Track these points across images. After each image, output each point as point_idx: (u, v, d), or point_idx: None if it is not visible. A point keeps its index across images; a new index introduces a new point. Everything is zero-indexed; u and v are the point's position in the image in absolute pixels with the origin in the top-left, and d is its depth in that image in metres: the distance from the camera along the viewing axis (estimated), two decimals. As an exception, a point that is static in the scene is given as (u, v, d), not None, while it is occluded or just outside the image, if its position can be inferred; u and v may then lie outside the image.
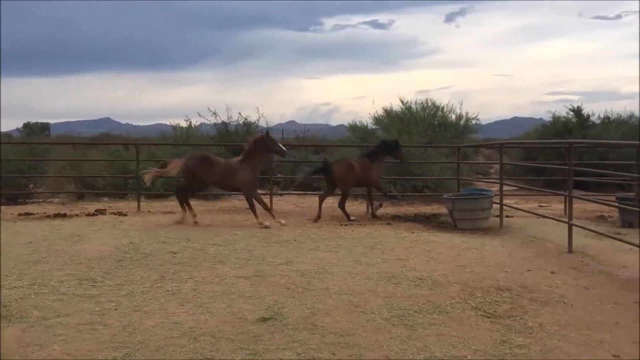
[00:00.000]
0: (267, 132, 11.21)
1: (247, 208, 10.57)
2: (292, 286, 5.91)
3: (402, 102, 17.31)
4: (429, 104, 17.19)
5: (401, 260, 7.25)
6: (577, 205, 11.86)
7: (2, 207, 12.45)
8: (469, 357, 4.13)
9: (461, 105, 17.04)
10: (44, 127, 46.19)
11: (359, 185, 12.15)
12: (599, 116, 20.26)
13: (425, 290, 5.83)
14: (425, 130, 16.00)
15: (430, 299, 5.48)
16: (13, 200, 14.38)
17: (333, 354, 4.14)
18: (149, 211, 12.00)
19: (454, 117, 16.87)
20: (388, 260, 7.21)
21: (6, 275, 6.27)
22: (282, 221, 10.23)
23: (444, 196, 10.94)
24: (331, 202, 14.77)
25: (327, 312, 5.08)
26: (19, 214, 11.44)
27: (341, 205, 11.38)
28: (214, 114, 19.95)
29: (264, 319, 4.84)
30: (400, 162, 12.57)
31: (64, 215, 11.24)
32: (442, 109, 17.09)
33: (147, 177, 10.44)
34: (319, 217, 11.06)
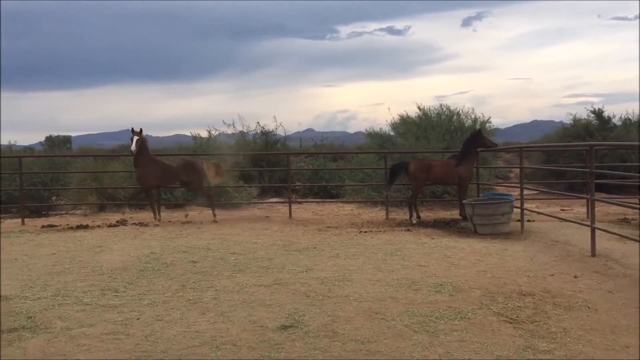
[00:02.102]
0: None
1: (267, 216, 10.66)
2: (312, 294, 5.91)
3: (418, 108, 17.30)
4: (444, 109, 17.15)
5: (421, 266, 7.22)
6: (600, 208, 11.72)
7: (26, 219, 12.65)
8: (491, 363, 4.09)
9: (474, 110, 16.95)
10: (66, 140, 46.80)
11: (442, 184, 13.04)
12: (620, 118, 20.01)
13: (446, 296, 5.79)
14: (443, 135, 15.95)
15: (451, 305, 5.44)
16: (36, 213, 14.60)
17: (354, 361, 4.14)
18: (169, 221, 12.09)
19: (470, 121, 16.79)
20: (408, 267, 7.18)
21: (30, 287, 6.37)
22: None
23: (464, 201, 10.87)
24: (350, 209, 14.78)
25: (347, 319, 5.07)
26: (42, 226, 11.60)
27: (410, 203, 11.83)
28: (232, 124, 20.14)
29: (285, 327, 4.85)
30: (491, 150, 13.06)
31: (86, 227, 11.38)
32: (458, 113, 17.04)
33: None
34: (417, 217, 11.68)
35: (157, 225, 11.44)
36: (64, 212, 15.15)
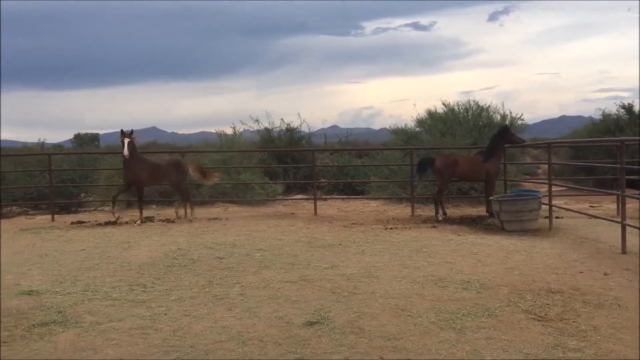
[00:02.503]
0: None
1: (292, 213, 10.70)
2: (338, 290, 5.90)
3: (444, 104, 17.17)
4: (472, 105, 16.99)
5: (448, 263, 7.17)
6: (631, 204, 11.45)
7: (55, 215, 12.88)
8: (520, 361, 4.04)
9: (503, 105, 16.80)
10: (94, 138, 47.40)
11: (469, 181, 12.97)
12: (651, 112, 19.56)
13: (473, 293, 5.74)
14: (470, 132, 15.79)
15: (478, 302, 5.39)
16: (66, 209, 14.86)
17: (381, 357, 4.12)
18: (195, 218, 12.19)
19: (498, 117, 16.61)
20: (434, 264, 7.14)
21: (60, 282, 6.48)
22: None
23: (491, 198, 10.75)
24: (375, 205, 14.74)
25: (373, 315, 5.05)
26: (72, 223, 11.79)
27: (436, 199, 11.74)
28: (257, 121, 20.21)
29: (311, 323, 4.85)
30: (518, 146, 13.05)
31: (114, 223, 11.53)
32: (488, 109, 16.86)
33: None
34: (444, 213, 11.57)
35: (116, 221, 11.44)
36: (92, 208, 15.40)
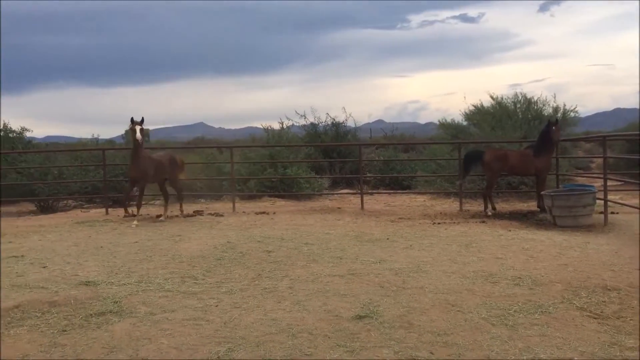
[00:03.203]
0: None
1: (338, 207, 10.70)
2: (386, 285, 5.89)
3: (492, 97, 16.87)
4: (521, 98, 16.64)
5: (498, 258, 7.05)
6: (691, 200, 11.03)
7: (109, 209, 13.24)
8: (575, 358, 3.95)
9: (555, 97, 16.40)
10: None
11: (518, 175, 12.70)
12: None
13: (525, 289, 5.63)
14: (520, 125, 15.47)
15: (531, 299, 5.29)
16: (118, 203, 15.25)
17: (431, 352, 4.09)
18: (243, 212, 12.36)
19: (549, 110, 16.22)
20: (484, 259, 7.03)
21: (115, 273, 6.67)
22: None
23: (543, 192, 10.51)
24: (422, 200, 14.61)
25: (423, 310, 5.02)
26: (125, 216, 12.09)
27: (484, 194, 11.56)
28: (303, 116, 20.31)
29: (360, 317, 4.86)
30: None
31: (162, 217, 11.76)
32: (536, 102, 16.50)
33: None
34: (493, 208, 11.33)
35: (136, 224, 10.79)
36: (144, 202, 15.70)
